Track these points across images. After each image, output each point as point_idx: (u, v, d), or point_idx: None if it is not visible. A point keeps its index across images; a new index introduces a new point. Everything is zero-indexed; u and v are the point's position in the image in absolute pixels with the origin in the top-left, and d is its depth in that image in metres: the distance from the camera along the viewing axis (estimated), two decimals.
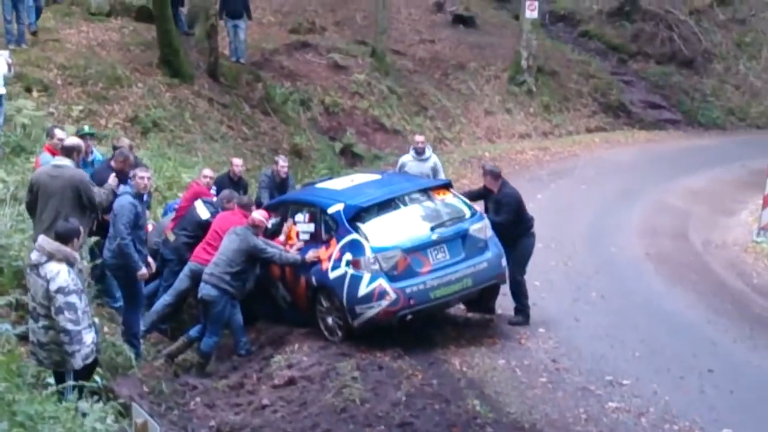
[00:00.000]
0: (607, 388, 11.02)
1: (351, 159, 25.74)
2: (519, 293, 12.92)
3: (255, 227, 12.26)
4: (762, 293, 14.98)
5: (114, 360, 10.35)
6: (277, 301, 13.10)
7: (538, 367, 11.65)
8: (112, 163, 12.56)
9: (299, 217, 12.95)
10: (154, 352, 12.06)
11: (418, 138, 16.75)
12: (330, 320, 12.22)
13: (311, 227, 12.70)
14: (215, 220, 12.89)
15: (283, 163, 16.05)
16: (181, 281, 12.66)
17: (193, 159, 19.50)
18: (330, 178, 14.91)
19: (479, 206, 13.09)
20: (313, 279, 12.30)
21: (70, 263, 8.63)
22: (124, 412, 8.79)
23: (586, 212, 19.94)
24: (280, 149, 23.19)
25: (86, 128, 14.83)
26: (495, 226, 12.59)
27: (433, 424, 9.89)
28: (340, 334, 12.10)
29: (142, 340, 11.87)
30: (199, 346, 12.26)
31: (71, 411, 7.77)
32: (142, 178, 11.55)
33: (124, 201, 11.32)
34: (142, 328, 12.23)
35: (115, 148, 13.42)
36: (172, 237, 13.18)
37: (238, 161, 15.91)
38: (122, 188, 11.40)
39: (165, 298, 12.69)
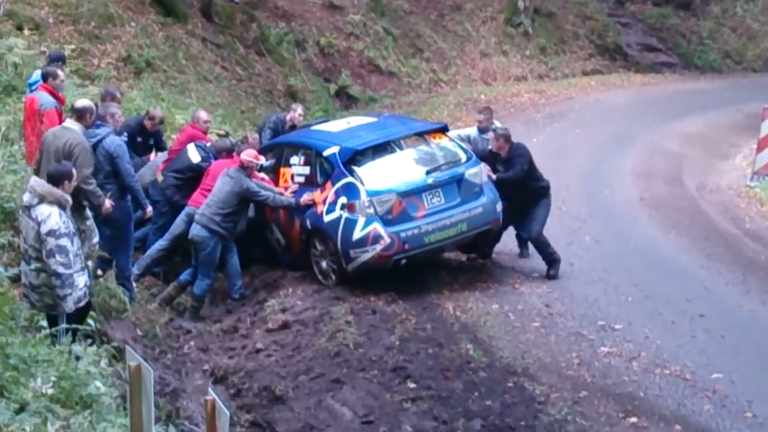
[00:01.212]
0: (599, 333, 11.06)
1: (346, 101, 25.67)
2: (543, 247, 12.78)
3: (246, 168, 12.17)
4: (755, 238, 15.00)
5: (107, 303, 10.34)
6: (272, 244, 13.08)
7: (531, 312, 11.67)
8: (101, 104, 12.58)
9: (294, 159, 12.88)
10: (148, 296, 12.06)
11: (479, 117, 14.11)
12: (324, 264, 12.21)
13: (306, 170, 12.64)
14: (213, 166, 12.79)
15: (301, 111, 15.82)
16: (177, 226, 12.58)
17: (186, 100, 19.38)
18: (326, 121, 14.79)
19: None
20: (308, 222, 12.27)
21: (62, 206, 8.59)
22: (118, 356, 8.81)
23: (581, 156, 19.88)
24: (275, 91, 23.12)
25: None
26: (510, 185, 12.52)
27: (427, 368, 9.95)
28: (334, 278, 12.10)
29: (135, 284, 11.87)
30: (192, 289, 12.26)
31: (65, 354, 7.77)
32: (113, 114, 11.56)
33: (118, 141, 11.30)
34: (136, 271, 12.24)
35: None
36: (161, 178, 13.12)
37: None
38: (102, 129, 11.30)
39: (160, 243, 12.64)
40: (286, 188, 12.68)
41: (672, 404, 9.40)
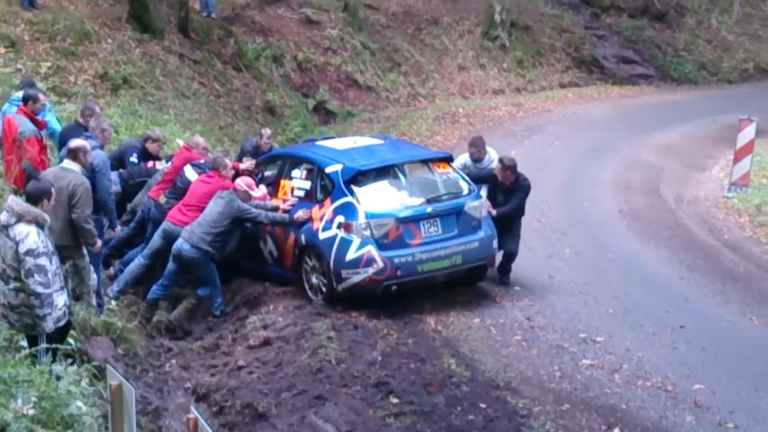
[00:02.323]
0: (581, 346, 11.08)
1: (324, 116, 25.71)
2: (512, 260, 12.99)
3: (238, 192, 12.17)
4: (733, 248, 15.08)
5: (87, 322, 10.27)
6: (263, 254, 13.01)
7: (512, 325, 11.69)
8: (80, 120, 12.68)
9: (296, 172, 12.87)
10: (128, 314, 11.97)
11: (470, 149, 13.84)
12: (314, 279, 12.15)
13: (307, 184, 12.61)
14: (192, 183, 12.80)
15: (267, 140, 15.61)
16: (155, 242, 12.60)
17: (164, 116, 19.35)
18: (332, 137, 14.80)
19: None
20: (303, 237, 12.20)
21: (40, 225, 8.53)
22: (99, 375, 8.76)
23: (559, 168, 19.95)
24: (253, 106, 23.10)
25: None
26: (502, 215, 12.64)
27: (409, 383, 9.93)
28: (321, 295, 12.03)
29: (115, 302, 11.81)
30: (197, 290, 12.29)
31: (45, 374, 7.69)
32: (104, 131, 11.58)
33: (103, 156, 11.37)
34: (116, 288, 12.23)
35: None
36: (163, 200, 13.12)
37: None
38: (90, 142, 11.29)
39: (140, 260, 12.62)
40: (284, 200, 12.66)
41: (654, 416, 9.43)
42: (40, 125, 12.29)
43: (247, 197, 12.22)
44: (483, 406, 9.55)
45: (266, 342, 11.15)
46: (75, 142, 10.85)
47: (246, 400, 9.81)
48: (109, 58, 20.34)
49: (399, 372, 10.18)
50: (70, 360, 8.57)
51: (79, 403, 7.45)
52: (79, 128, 12.56)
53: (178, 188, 13.06)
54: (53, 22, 20.35)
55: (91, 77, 19.50)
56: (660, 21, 34.97)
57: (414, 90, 28.36)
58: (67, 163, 10.57)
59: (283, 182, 13.04)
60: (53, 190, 8.99)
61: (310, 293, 12.19)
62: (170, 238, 12.43)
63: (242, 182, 12.33)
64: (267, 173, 13.55)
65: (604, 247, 14.91)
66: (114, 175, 13.22)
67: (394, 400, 9.60)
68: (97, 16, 21.73)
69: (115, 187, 13.16)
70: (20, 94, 13.31)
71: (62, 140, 12.92)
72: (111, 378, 6.89)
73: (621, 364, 10.56)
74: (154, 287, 12.34)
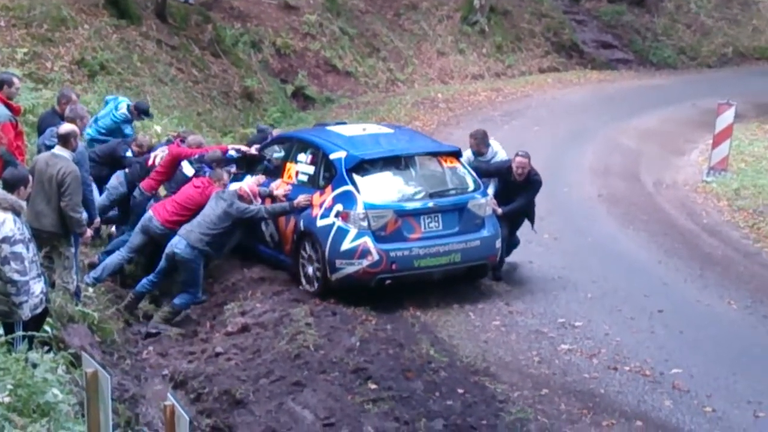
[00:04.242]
0: (559, 330, 11.11)
1: (303, 101, 25.61)
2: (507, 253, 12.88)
3: (241, 197, 12.09)
4: (711, 233, 15.14)
5: (64, 309, 10.20)
6: (264, 237, 12.86)
7: (491, 311, 11.69)
8: (57, 108, 12.55)
9: (302, 156, 12.72)
10: (105, 301, 11.90)
11: (470, 141, 13.42)
12: (310, 269, 11.96)
13: (311, 169, 12.46)
14: (186, 184, 12.73)
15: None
16: (136, 235, 12.49)
17: None
18: (343, 123, 14.67)
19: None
20: (302, 223, 12.03)
21: (16, 212, 8.46)
22: (76, 362, 8.70)
23: (539, 153, 19.69)
24: (231, 92, 23.03)
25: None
26: (507, 213, 12.53)
27: (388, 369, 9.92)
28: (316, 286, 11.86)
29: (91, 289, 11.74)
30: (173, 300, 12.05)
31: (21, 362, 7.65)
32: (82, 118, 11.52)
33: (81, 148, 11.23)
34: (93, 275, 12.16)
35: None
36: (163, 193, 13.10)
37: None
38: None
39: (121, 253, 12.51)
40: (288, 183, 12.56)
41: (632, 400, 9.46)
42: (16, 111, 12.17)
43: (249, 203, 12.11)
44: (461, 391, 9.55)
45: (244, 328, 11.11)
46: (65, 127, 10.76)
47: (224, 386, 9.78)
48: (86, 44, 20.17)
49: (377, 358, 10.16)
50: (46, 347, 8.53)
51: (56, 391, 7.42)
52: (54, 116, 12.44)
53: (176, 182, 13.04)
54: (29, 8, 20.14)
55: (67, 63, 19.34)
56: (639, 6, 35.03)
57: (393, 75, 28.29)
58: (58, 149, 10.49)
59: (288, 165, 12.84)
60: (30, 177, 8.93)
61: (304, 282, 12.03)
62: (148, 232, 12.38)
63: (248, 189, 12.20)
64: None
65: (583, 231, 14.95)
66: (120, 175, 13.40)
67: (373, 386, 9.58)
68: (74, 2, 21.51)
69: (121, 188, 13.20)
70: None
71: (38, 127, 12.86)
72: (86, 365, 6.83)
73: (599, 349, 10.60)
74: (144, 281, 12.21)
